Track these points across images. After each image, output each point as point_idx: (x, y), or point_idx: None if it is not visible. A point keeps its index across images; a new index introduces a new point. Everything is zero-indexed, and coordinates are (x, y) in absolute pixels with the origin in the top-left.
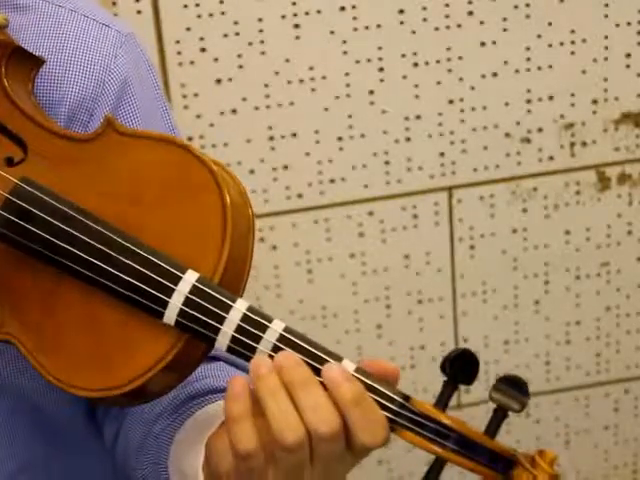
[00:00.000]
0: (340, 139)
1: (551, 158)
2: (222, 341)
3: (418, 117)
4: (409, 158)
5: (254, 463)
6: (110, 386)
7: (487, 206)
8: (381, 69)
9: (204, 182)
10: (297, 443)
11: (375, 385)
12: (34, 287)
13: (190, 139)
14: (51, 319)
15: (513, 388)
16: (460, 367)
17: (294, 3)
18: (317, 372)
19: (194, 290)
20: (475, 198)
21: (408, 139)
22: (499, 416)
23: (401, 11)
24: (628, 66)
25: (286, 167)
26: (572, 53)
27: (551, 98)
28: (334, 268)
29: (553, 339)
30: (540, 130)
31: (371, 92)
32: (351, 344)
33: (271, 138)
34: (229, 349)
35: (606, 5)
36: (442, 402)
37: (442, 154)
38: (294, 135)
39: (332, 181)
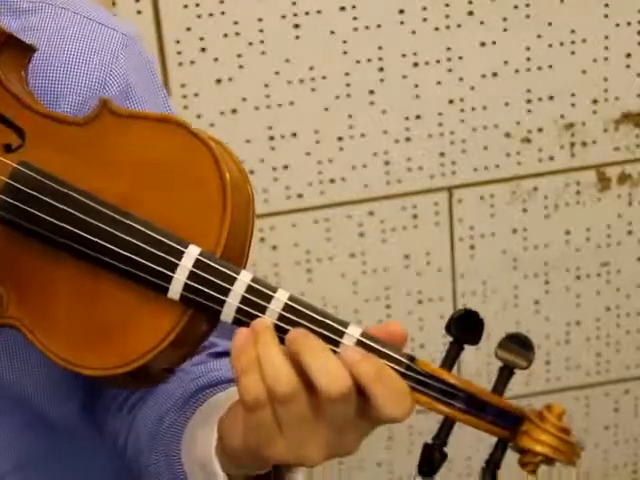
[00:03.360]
0: (340, 139)
1: (551, 158)
2: (228, 313)
3: (418, 117)
4: (409, 158)
5: (262, 415)
6: (118, 364)
7: (487, 206)
8: (381, 69)
9: (202, 158)
10: (290, 393)
11: (381, 348)
12: (37, 269)
13: None
14: (55, 300)
15: (518, 345)
16: (465, 327)
17: (294, 3)
18: (324, 338)
19: (197, 264)
20: (475, 198)
21: (408, 139)
22: (505, 374)
23: (401, 11)
24: (628, 66)
25: (286, 167)
26: (572, 53)
27: (551, 98)
28: (334, 268)
29: (553, 339)
30: (540, 130)
31: (371, 92)
32: None
33: (271, 138)
34: (235, 320)
35: (606, 5)
36: (447, 363)
37: (442, 154)
38: (294, 135)
39: (332, 181)
